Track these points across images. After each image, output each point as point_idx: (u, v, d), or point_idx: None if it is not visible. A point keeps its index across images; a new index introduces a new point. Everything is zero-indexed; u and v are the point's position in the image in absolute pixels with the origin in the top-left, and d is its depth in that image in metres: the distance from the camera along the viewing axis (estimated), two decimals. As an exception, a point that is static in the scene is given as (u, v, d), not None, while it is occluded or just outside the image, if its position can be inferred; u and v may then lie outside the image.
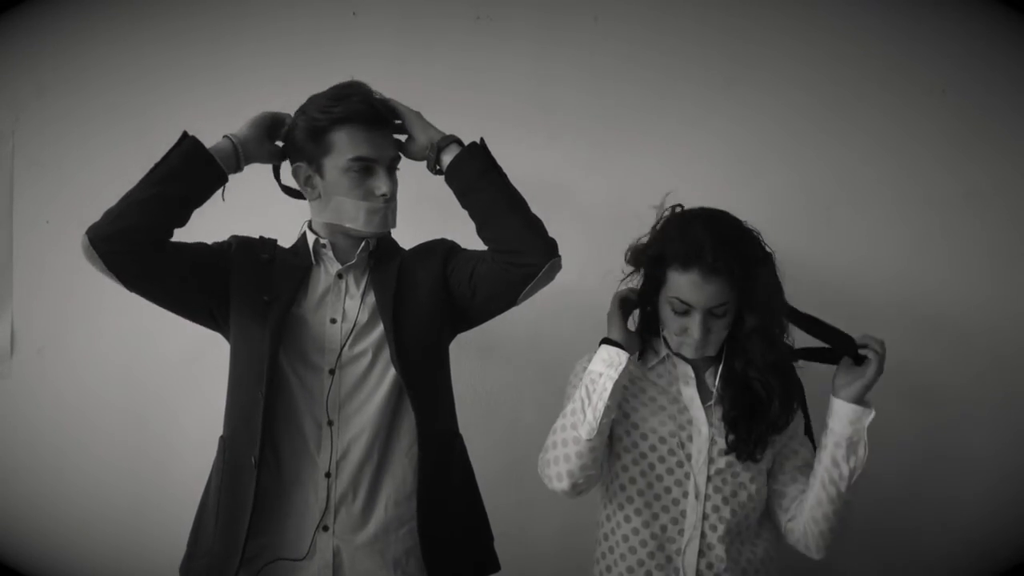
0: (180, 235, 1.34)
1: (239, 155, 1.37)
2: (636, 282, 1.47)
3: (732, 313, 1.38)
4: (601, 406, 1.35)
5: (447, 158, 1.39)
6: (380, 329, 1.40)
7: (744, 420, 1.40)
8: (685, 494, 1.41)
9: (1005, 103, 1.85)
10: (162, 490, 1.88)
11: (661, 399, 1.45)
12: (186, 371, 1.85)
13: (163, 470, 1.88)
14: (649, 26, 1.86)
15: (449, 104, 1.78)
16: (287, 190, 1.50)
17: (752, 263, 1.36)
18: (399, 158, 1.43)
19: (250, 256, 1.44)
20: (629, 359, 1.37)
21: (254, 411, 1.35)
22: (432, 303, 1.43)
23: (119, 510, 1.90)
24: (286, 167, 1.45)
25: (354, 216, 1.39)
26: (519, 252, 1.35)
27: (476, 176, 1.38)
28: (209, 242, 1.44)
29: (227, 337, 1.44)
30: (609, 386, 1.35)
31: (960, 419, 1.86)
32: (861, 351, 1.36)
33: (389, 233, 1.48)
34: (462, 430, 1.51)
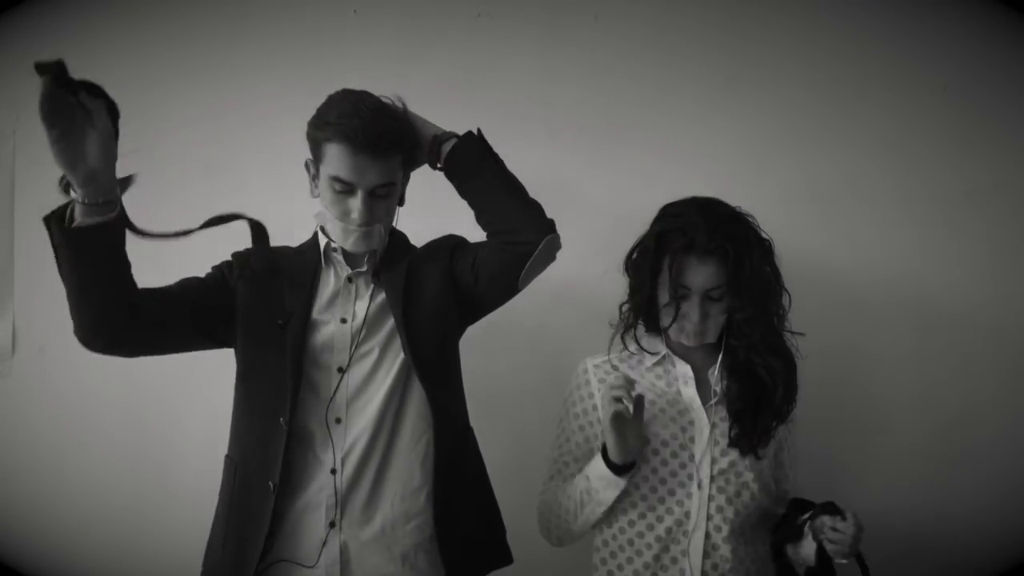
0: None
1: (95, 194, 1.12)
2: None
3: (728, 297, 1.39)
4: (594, 519, 1.42)
5: (446, 149, 1.39)
6: (388, 325, 1.40)
7: (749, 413, 1.40)
8: (689, 495, 1.40)
9: (1006, 101, 1.85)
10: (162, 490, 1.87)
11: (661, 401, 1.45)
12: (187, 371, 1.84)
13: (163, 470, 1.88)
14: (650, 24, 1.86)
15: (449, 102, 1.78)
16: None
17: (746, 244, 1.37)
18: (393, 185, 1.36)
19: (254, 279, 1.41)
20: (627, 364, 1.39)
21: (274, 439, 1.35)
22: (441, 297, 1.42)
23: (119, 510, 1.89)
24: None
25: (332, 229, 1.39)
26: (515, 230, 1.36)
27: (473, 163, 1.38)
28: (204, 272, 1.43)
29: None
30: (604, 509, 1.40)
31: (961, 417, 1.86)
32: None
33: (402, 236, 1.48)
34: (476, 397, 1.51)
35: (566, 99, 1.86)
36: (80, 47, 1.86)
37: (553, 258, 1.40)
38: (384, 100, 1.37)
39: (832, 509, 1.35)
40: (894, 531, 1.86)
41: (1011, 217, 1.85)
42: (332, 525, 1.36)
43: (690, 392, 1.45)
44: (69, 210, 1.13)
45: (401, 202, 1.44)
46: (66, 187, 1.12)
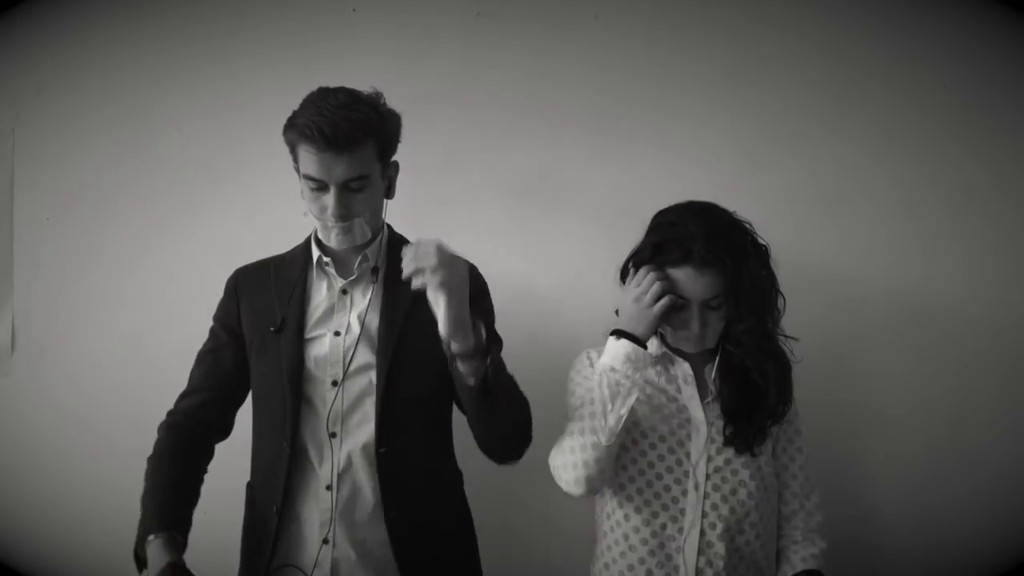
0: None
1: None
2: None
3: (727, 307, 1.39)
4: (625, 411, 1.33)
5: (467, 367, 1.26)
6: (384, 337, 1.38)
7: (743, 413, 1.41)
8: (684, 492, 1.41)
9: (1006, 100, 1.84)
10: (162, 489, 1.87)
11: (659, 397, 1.45)
12: (186, 371, 1.84)
13: (163, 469, 1.88)
14: (650, 22, 1.86)
15: (449, 100, 1.79)
16: None
17: (743, 253, 1.37)
18: (367, 177, 1.33)
19: (245, 299, 1.45)
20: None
21: (278, 463, 1.37)
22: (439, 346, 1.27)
23: (119, 510, 1.87)
24: None
25: (319, 229, 1.39)
26: (488, 451, 1.38)
27: (500, 389, 1.30)
28: (209, 333, 1.49)
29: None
30: (635, 392, 1.34)
31: (961, 416, 1.86)
32: None
33: (401, 238, 1.46)
34: (464, 428, 1.46)
35: (566, 98, 1.86)
36: (80, 46, 1.86)
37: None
38: (361, 93, 1.34)
39: None
40: (893, 533, 1.86)
41: (1011, 214, 1.85)
42: (326, 542, 1.36)
43: (690, 390, 1.45)
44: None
45: (390, 194, 1.42)
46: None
